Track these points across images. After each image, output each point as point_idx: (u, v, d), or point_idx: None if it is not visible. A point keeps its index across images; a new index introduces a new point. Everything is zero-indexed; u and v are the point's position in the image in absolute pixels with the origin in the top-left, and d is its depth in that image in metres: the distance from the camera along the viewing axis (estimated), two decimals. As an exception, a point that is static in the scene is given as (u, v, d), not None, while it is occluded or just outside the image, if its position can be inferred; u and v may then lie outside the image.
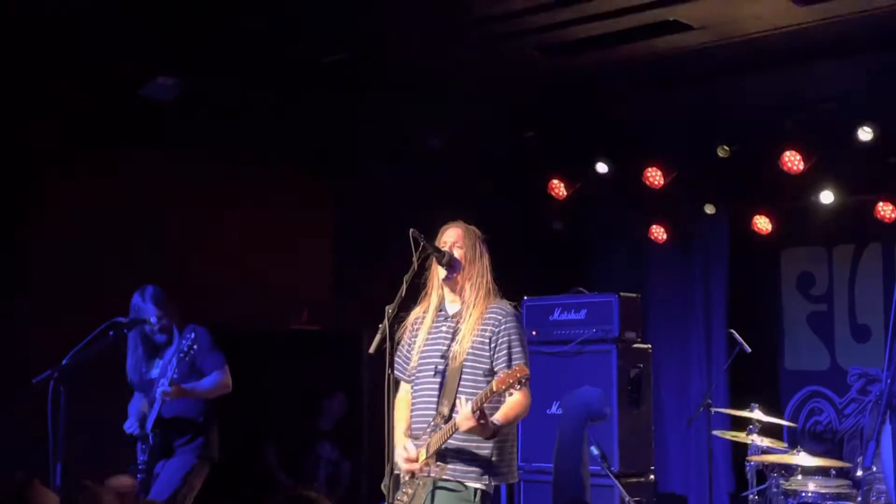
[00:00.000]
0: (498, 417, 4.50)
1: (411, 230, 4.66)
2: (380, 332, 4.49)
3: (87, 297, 6.94)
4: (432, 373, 4.73)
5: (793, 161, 7.89)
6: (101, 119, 7.26)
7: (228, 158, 7.97)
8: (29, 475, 3.68)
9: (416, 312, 4.90)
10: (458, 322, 4.76)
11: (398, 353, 4.86)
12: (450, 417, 4.56)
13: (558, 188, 9.00)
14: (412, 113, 8.03)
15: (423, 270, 4.81)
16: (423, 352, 4.81)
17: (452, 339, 4.72)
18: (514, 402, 4.57)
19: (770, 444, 6.58)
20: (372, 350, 4.49)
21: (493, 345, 4.68)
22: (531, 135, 8.73)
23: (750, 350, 7.30)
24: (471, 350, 4.68)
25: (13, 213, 6.93)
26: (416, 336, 4.86)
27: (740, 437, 6.68)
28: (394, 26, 6.76)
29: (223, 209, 7.96)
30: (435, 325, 4.83)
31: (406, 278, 4.63)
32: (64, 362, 5.59)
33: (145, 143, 7.48)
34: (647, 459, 7.19)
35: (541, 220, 9.42)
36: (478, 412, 4.39)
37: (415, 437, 4.70)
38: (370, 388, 8.30)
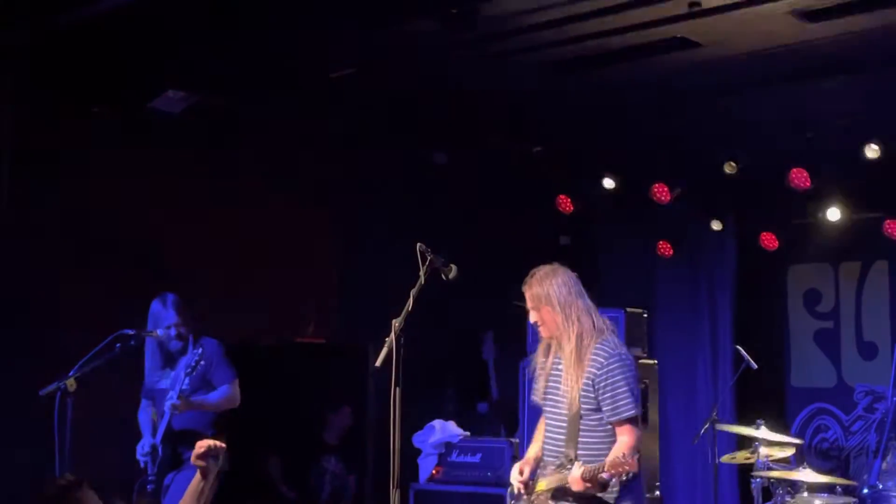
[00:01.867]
0: (607, 473, 4.62)
1: (419, 244, 4.67)
2: (386, 345, 4.50)
3: (92, 308, 6.96)
4: (557, 412, 4.92)
5: (800, 178, 7.89)
6: (111, 129, 7.29)
7: (235, 172, 7.99)
8: (79, 477, 3.67)
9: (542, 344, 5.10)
10: (567, 366, 4.89)
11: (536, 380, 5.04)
12: (575, 458, 4.76)
13: (565, 203, 9.01)
14: (420, 126, 8.06)
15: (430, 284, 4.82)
16: (548, 387, 4.98)
17: (565, 383, 4.88)
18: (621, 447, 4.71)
19: (776, 457, 6.57)
20: (379, 363, 4.49)
21: (597, 388, 4.80)
22: (539, 150, 8.74)
23: (756, 366, 7.30)
24: (582, 395, 4.81)
25: (21, 223, 6.95)
26: (544, 367, 5.02)
27: (742, 455, 6.66)
28: (403, 41, 6.78)
29: (229, 222, 7.98)
30: (556, 360, 5.00)
31: (413, 292, 4.63)
32: (70, 374, 5.61)
33: (151, 155, 7.50)
34: (652, 475, 7.17)
35: (548, 235, 9.43)
36: (588, 481, 4.61)
37: (543, 466, 4.94)
38: (375, 402, 8.31)
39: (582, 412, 4.80)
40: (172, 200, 7.65)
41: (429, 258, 4.68)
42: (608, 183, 8.77)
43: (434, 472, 7.65)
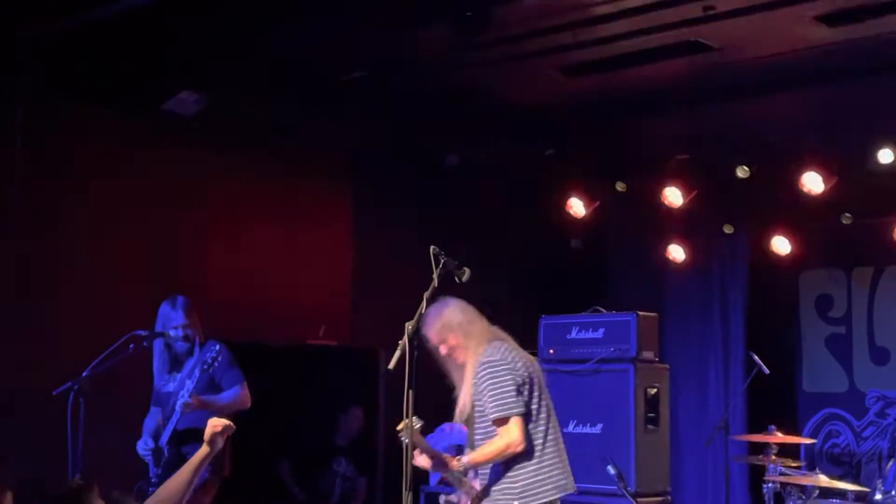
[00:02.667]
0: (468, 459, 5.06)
1: (432, 247, 4.67)
2: (399, 348, 4.50)
3: (107, 309, 6.97)
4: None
5: (813, 182, 7.87)
6: (128, 130, 7.31)
7: (248, 174, 8.00)
8: (88, 480, 3.70)
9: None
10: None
11: None
12: None
13: (577, 207, 9.00)
14: (433, 128, 8.06)
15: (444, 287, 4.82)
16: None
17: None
18: (487, 448, 5.00)
19: (787, 465, 6.56)
20: (391, 366, 4.50)
21: (476, 397, 5.07)
22: (550, 153, 8.73)
23: (768, 371, 7.28)
24: (475, 403, 5.08)
25: (37, 224, 6.96)
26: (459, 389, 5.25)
27: (756, 459, 6.65)
28: (416, 43, 6.78)
29: (241, 224, 7.99)
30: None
31: (426, 295, 4.63)
32: (84, 374, 5.63)
33: (168, 157, 7.52)
34: (663, 479, 7.15)
35: (559, 239, 9.42)
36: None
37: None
38: (386, 405, 8.30)
39: (475, 418, 5.10)
40: (188, 200, 7.66)
41: (442, 261, 4.69)
42: (620, 186, 8.76)
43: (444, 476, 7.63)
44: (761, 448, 6.70)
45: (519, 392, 4.96)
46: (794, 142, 7.87)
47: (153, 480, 6.01)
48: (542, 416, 5.04)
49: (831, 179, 7.86)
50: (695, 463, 8.92)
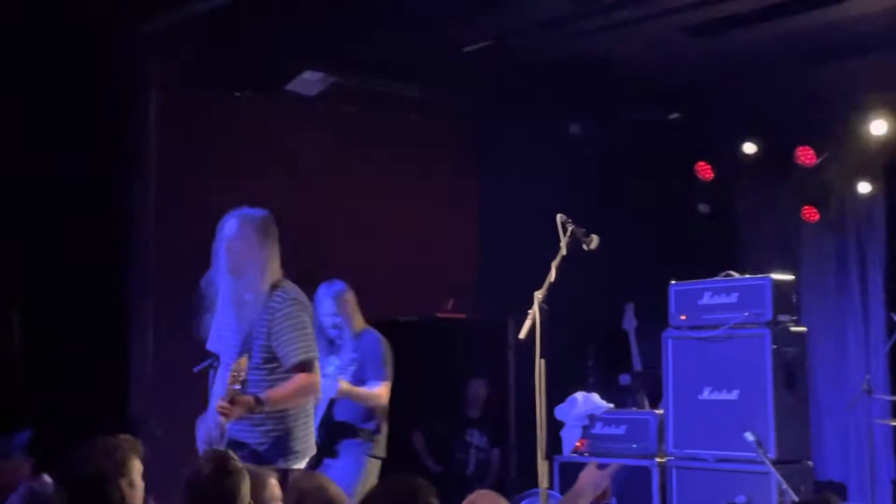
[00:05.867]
0: None
1: (559, 215, 4.65)
2: (529, 317, 4.50)
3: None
4: None
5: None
6: (249, 112, 7.45)
7: (370, 150, 8.08)
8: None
9: None
10: None
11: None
12: None
13: (705, 170, 8.84)
14: (556, 99, 8.00)
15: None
16: None
17: None
18: None
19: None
20: (522, 335, 4.50)
21: None
22: (676, 116, 8.59)
23: (911, 333, 7.05)
24: None
25: (173, 210, 7.16)
26: None
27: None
28: (536, 11, 6.73)
29: (369, 198, 8.07)
30: None
31: (554, 263, 4.62)
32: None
33: (291, 136, 7.64)
34: (804, 446, 6.99)
35: (688, 203, 9.28)
36: None
37: None
38: (516, 375, 8.32)
39: None
40: (314, 176, 7.77)
41: (569, 229, 4.66)
42: (749, 148, 8.56)
43: (578, 444, 7.62)
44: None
45: None
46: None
47: None
48: None
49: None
50: (836, 427, 8.70)
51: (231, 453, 3.74)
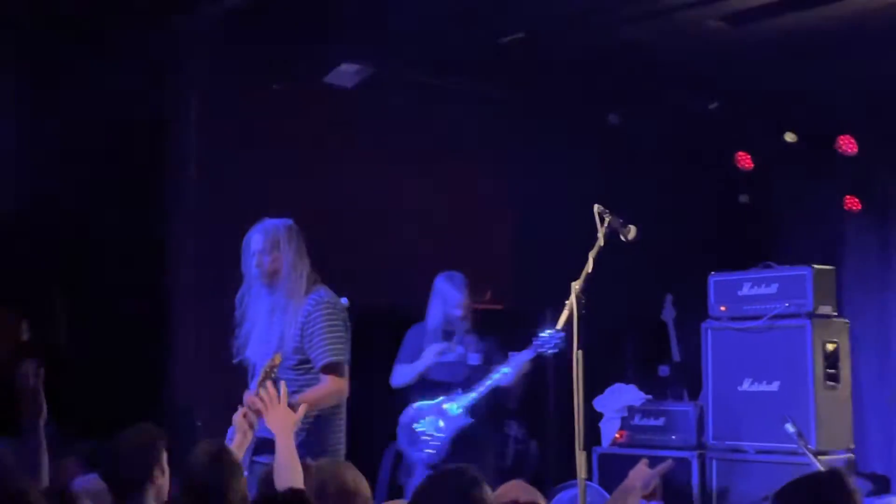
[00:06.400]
0: None
1: (596, 205, 4.63)
2: (567, 308, 4.49)
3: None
4: None
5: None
6: (291, 104, 7.48)
7: (409, 139, 8.08)
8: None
9: None
10: None
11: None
12: None
13: (745, 160, 8.77)
14: (593, 87, 7.97)
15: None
16: None
17: None
18: None
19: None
20: (559, 326, 4.50)
21: None
22: (715, 105, 8.52)
23: (955, 324, 6.95)
24: None
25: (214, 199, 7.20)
26: None
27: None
28: (570, 2, 6.71)
29: (405, 188, 8.07)
30: None
31: (591, 254, 4.60)
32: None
33: (329, 128, 7.66)
34: (846, 437, 6.93)
35: (727, 194, 9.21)
36: None
37: None
38: (554, 367, 8.29)
39: None
40: (356, 171, 7.78)
41: (607, 219, 4.65)
42: (790, 137, 8.48)
43: (617, 435, 7.60)
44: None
45: None
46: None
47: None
48: None
49: None
50: (879, 419, 8.60)
51: (226, 445, 3.82)
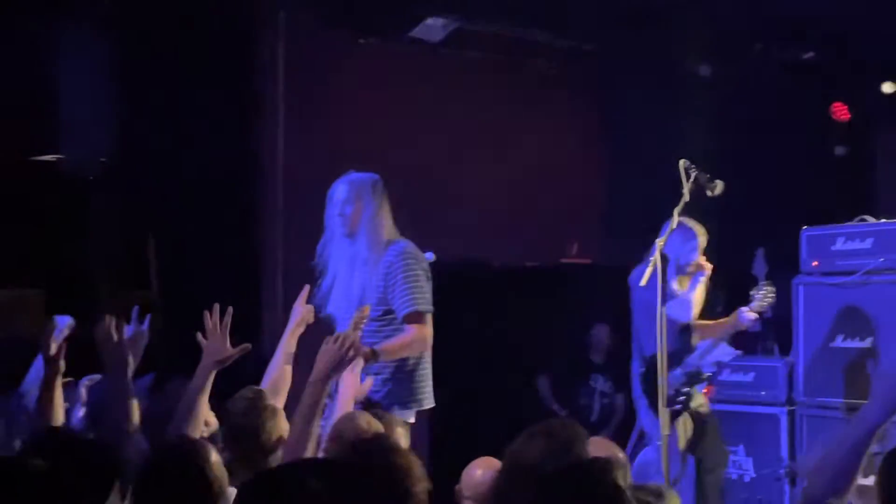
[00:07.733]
0: None
1: (682, 160, 4.57)
2: (650, 264, 4.46)
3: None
4: None
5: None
6: (378, 58, 7.50)
7: (493, 94, 8.05)
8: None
9: None
10: None
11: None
12: None
13: (842, 111, 8.56)
14: (682, 38, 7.83)
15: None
16: None
17: None
18: None
19: None
20: (643, 283, 4.47)
21: None
22: (811, 55, 8.31)
23: None
24: None
25: (293, 153, 7.28)
26: None
27: None
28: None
29: (492, 142, 8.06)
30: None
31: (676, 210, 4.56)
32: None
33: (412, 83, 7.67)
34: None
35: (823, 146, 9.01)
36: None
37: None
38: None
39: None
40: (438, 122, 7.79)
41: (693, 175, 4.59)
42: (888, 87, 8.25)
43: (705, 391, 7.54)
44: None
45: None
46: None
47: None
48: None
49: None
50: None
51: (262, 391, 3.95)
